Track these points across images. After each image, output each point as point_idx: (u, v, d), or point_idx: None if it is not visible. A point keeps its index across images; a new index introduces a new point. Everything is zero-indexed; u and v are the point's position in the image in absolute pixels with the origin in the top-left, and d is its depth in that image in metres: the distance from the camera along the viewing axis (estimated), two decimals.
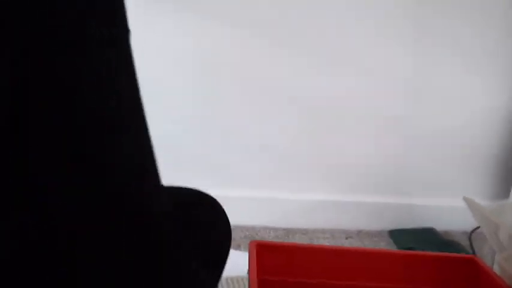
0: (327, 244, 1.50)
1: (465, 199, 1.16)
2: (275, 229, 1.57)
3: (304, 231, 1.57)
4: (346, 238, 1.56)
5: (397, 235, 1.57)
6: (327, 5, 1.46)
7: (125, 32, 0.32)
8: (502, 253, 1.04)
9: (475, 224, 1.33)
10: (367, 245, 1.53)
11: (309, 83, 1.51)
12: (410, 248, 1.42)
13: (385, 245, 1.54)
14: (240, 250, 1.39)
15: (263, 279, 0.93)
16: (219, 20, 1.45)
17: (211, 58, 1.48)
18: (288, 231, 1.57)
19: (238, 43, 1.47)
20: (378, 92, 1.55)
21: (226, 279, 1.21)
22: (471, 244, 1.45)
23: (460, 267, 1.01)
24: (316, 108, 1.54)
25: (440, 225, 1.61)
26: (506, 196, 1.61)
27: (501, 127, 1.62)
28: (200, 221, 0.63)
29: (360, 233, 1.60)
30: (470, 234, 1.45)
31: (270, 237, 1.54)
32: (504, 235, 1.03)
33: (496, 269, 1.05)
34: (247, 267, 0.90)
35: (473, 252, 1.41)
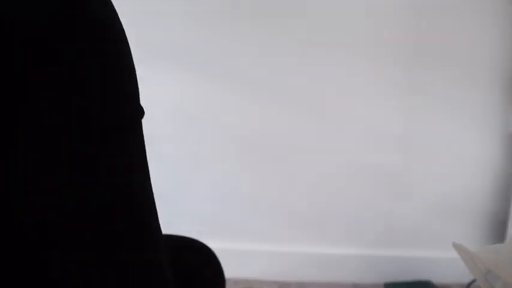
0: None
1: (454, 244, 1.15)
2: (269, 282, 1.54)
3: (300, 285, 1.54)
4: None
5: None
6: (320, 62, 1.51)
7: None
8: None
9: (472, 276, 1.31)
10: None
11: (301, 135, 1.53)
12: None
13: None
14: None
15: None
16: (210, 76, 1.49)
17: (201, 113, 1.50)
18: (282, 284, 1.54)
19: (227, 97, 1.50)
20: (369, 145, 1.56)
21: None
22: None
23: None
24: (307, 162, 1.55)
25: (437, 277, 1.58)
26: None
27: (496, 179, 1.64)
28: (189, 267, 0.62)
29: (355, 286, 1.56)
30: (467, 287, 1.43)
31: None
32: (495, 278, 1.01)
33: None
34: None
35: None
